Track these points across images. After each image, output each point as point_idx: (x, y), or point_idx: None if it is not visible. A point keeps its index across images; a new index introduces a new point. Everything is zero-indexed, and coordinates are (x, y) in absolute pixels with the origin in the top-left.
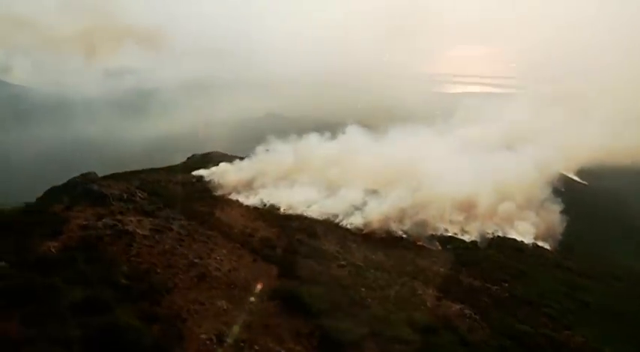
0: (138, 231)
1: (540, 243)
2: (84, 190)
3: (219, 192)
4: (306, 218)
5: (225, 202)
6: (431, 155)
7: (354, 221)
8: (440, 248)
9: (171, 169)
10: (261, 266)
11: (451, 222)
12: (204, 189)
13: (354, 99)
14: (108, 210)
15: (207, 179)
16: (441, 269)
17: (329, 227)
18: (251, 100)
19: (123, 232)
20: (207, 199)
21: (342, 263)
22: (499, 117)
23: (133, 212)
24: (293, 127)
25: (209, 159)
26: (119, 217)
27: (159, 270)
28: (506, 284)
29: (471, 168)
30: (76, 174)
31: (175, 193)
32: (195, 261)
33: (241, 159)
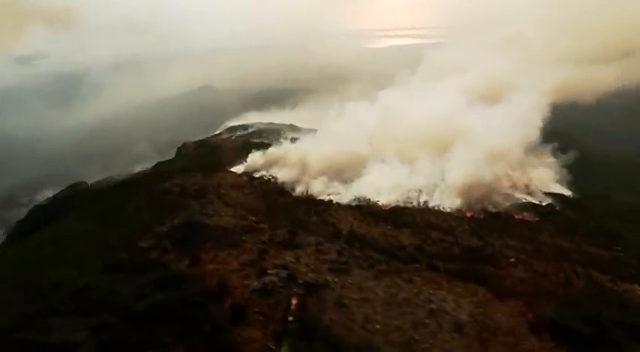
0: (328, 278)
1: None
2: (190, 227)
3: (297, 192)
4: (421, 210)
5: (323, 205)
6: (453, 112)
7: (451, 203)
8: (537, 218)
9: (193, 167)
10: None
11: (514, 186)
12: (279, 190)
13: (289, 63)
14: (241, 249)
15: (266, 177)
16: (589, 248)
17: (444, 217)
18: (182, 74)
19: (314, 285)
20: (302, 205)
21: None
22: (464, 68)
23: (274, 249)
24: (231, 99)
25: (209, 148)
26: (274, 261)
27: (406, 329)
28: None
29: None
30: (6, 180)
31: (267, 204)
32: (432, 306)
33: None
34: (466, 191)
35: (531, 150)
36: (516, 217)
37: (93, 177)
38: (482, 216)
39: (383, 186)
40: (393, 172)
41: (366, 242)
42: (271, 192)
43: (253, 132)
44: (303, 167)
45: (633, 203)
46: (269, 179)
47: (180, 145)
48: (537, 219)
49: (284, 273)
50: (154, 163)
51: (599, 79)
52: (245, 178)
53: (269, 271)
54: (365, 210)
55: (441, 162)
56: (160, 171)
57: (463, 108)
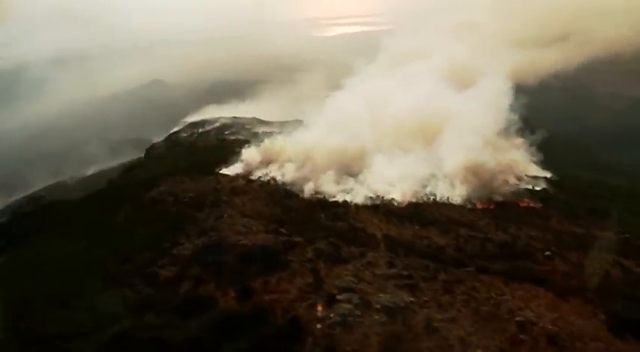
0: (404, 297)
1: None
2: (220, 248)
3: (306, 193)
4: (436, 205)
5: (341, 207)
6: (436, 98)
7: (458, 194)
8: (540, 205)
9: (174, 170)
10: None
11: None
12: (286, 192)
13: (239, 54)
14: (290, 271)
15: (264, 178)
16: (598, 232)
17: (459, 210)
18: (130, 68)
19: (394, 309)
20: (319, 208)
21: None
22: (424, 55)
23: (324, 266)
24: (184, 94)
25: (183, 148)
26: (333, 281)
27: (507, 349)
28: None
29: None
30: None
31: (281, 210)
32: (517, 318)
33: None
34: (469, 178)
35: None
36: (521, 205)
37: (40, 182)
38: (491, 207)
39: (391, 179)
40: (394, 163)
41: (406, 246)
42: (279, 196)
43: (220, 128)
44: (306, 163)
45: (604, 182)
46: (268, 180)
47: (136, 144)
48: (540, 205)
49: (355, 298)
50: (108, 165)
51: (541, 61)
52: (242, 181)
53: (337, 296)
54: (383, 208)
55: (435, 151)
56: (143, 177)
57: (444, 94)
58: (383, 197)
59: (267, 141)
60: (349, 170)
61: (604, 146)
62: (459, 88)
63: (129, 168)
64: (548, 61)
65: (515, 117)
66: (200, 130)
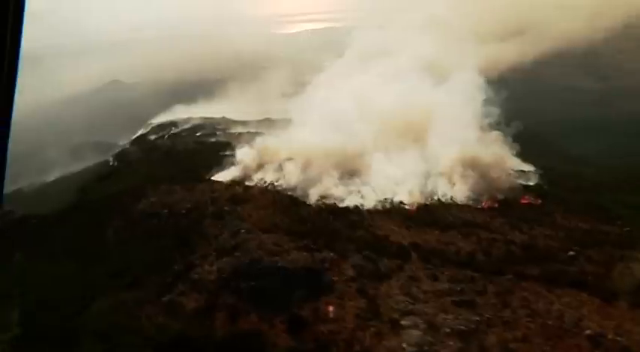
0: (469, 317)
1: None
2: (260, 272)
3: (313, 199)
4: (444, 206)
5: (355, 214)
6: (418, 95)
7: (460, 193)
8: (540, 201)
9: (158, 178)
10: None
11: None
12: (292, 200)
13: (200, 52)
14: (337, 293)
15: (260, 184)
16: (601, 226)
17: (468, 211)
18: (87, 69)
19: (466, 332)
20: (332, 216)
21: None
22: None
23: (369, 285)
24: (146, 94)
25: (161, 153)
26: (388, 303)
27: None
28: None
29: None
30: None
31: (294, 220)
32: (586, 331)
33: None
34: (467, 173)
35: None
36: (523, 202)
37: None
38: (495, 205)
39: (394, 179)
40: (393, 162)
41: (438, 255)
42: (285, 203)
43: (192, 130)
44: (306, 164)
45: (578, 173)
46: (267, 185)
47: (98, 147)
48: (540, 201)
49: (420, 322)
50: (69, 170)
51: (501, 56)
52: (239, 188)
53: (401, 322)
54: (396, 213)
55: (428, 146)
56: (124, 186)
57: (425, 88)
58: (392, 200)
59: (260, 143)
60: (350, 169)
61: (566, 137)
62: (434, 83)
63: (102, 176)
64: (507, 55)
65: (492, 110)
66: (170, 132)
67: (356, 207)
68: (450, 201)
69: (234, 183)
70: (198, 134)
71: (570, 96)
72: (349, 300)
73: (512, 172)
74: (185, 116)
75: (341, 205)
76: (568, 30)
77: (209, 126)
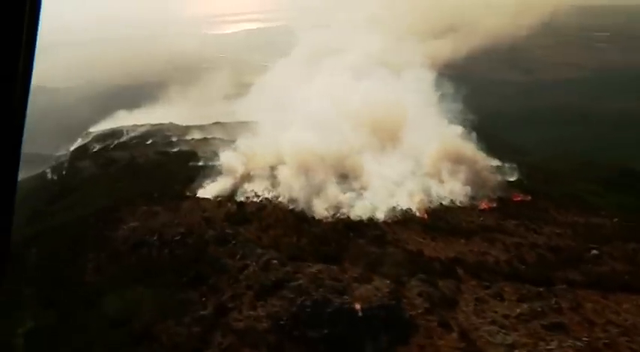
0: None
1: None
2: (324, 316)
3: (321, 215)
4: (449, 209)
5: (373, 228)
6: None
7: (455, 193)
8: (529, 197)
9: (129, 198)
10: None
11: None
12: (300, 217)
13: (132, 56)
14: (412, 330)
15: (252, 198)
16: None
17: (474, 214)
18: None
19: None
20: (349, 233)
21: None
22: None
23: (457, 314)
24: (81, 99)
25: (123, 167)
26: (509, 334)
27: None
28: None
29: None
30: None
31: (313, 241)
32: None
33: None
34: (454, 168)
35: None
36: (515, 199)
37: None
38: (494, 205)
39: (392, 182)
40: (384, 163)
41: (483, 269)
42: (291, 221)
43: (141, 138)
44: (302, 171)
45: (536, 164)
46: (262, 201)
47: (30, 159)
48: (529, 197)
49: None
50: None
51: (436, 52)
52: (232, 206)
53: None
54: (411, 223)
55: (409, 144)
56: (91, 209)
57: (388, 87)
58: (401, 206)
59: (245, 150)
60: (343, 172)
61: (505, 129)
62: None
63: (56, 196)
64: (443, 52)
65: (451, 106)
66: (117, 141)
67: (370, 218)
68: (450, 204)
69: (222, 199)
70: (149, 142)
71: (500, 89)
72: (438, 339)
73: (490, 167)
74: (129, 123)
75: (353, 217)
76: (494, 27)
77: (159, 133)
